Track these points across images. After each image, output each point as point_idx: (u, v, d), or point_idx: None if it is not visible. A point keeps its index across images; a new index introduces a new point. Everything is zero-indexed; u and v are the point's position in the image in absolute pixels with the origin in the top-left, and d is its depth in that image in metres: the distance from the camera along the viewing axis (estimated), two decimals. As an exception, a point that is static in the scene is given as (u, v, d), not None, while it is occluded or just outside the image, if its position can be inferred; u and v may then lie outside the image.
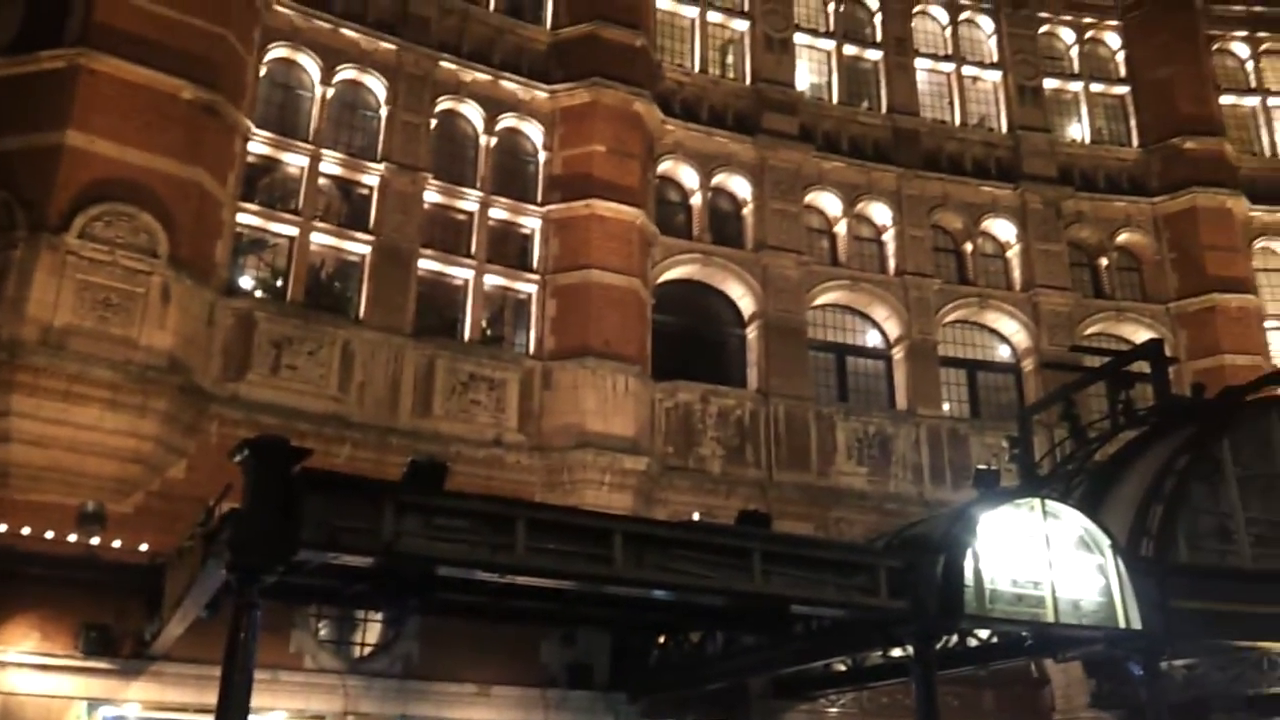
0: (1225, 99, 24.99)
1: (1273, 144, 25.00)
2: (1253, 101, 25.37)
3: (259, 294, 16.92)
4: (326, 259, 17.78)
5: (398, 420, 16.67)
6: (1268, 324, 22.97)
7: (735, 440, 19.14)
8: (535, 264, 19.15)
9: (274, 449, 9.71)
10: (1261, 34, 25.68)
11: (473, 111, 19.54)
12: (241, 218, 16.76)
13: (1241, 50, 25.71)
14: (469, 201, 19.03)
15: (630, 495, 17.41)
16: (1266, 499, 15.43)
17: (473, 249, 18.75)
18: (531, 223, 19.43)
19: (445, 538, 10.07)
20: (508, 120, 19.74)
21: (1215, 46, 25.43)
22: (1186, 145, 23.55)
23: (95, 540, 13.51)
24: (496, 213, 19.20)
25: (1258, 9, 25.80)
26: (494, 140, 19.54)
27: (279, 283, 17.11)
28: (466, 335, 18.21)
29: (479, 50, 19.79)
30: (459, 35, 19.67)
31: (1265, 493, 15.47)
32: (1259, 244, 23.72)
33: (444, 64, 19.18)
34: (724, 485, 18.56)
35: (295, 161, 17.69)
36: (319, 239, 17.53)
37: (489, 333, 18.84)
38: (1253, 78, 25.57)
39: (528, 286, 19.01)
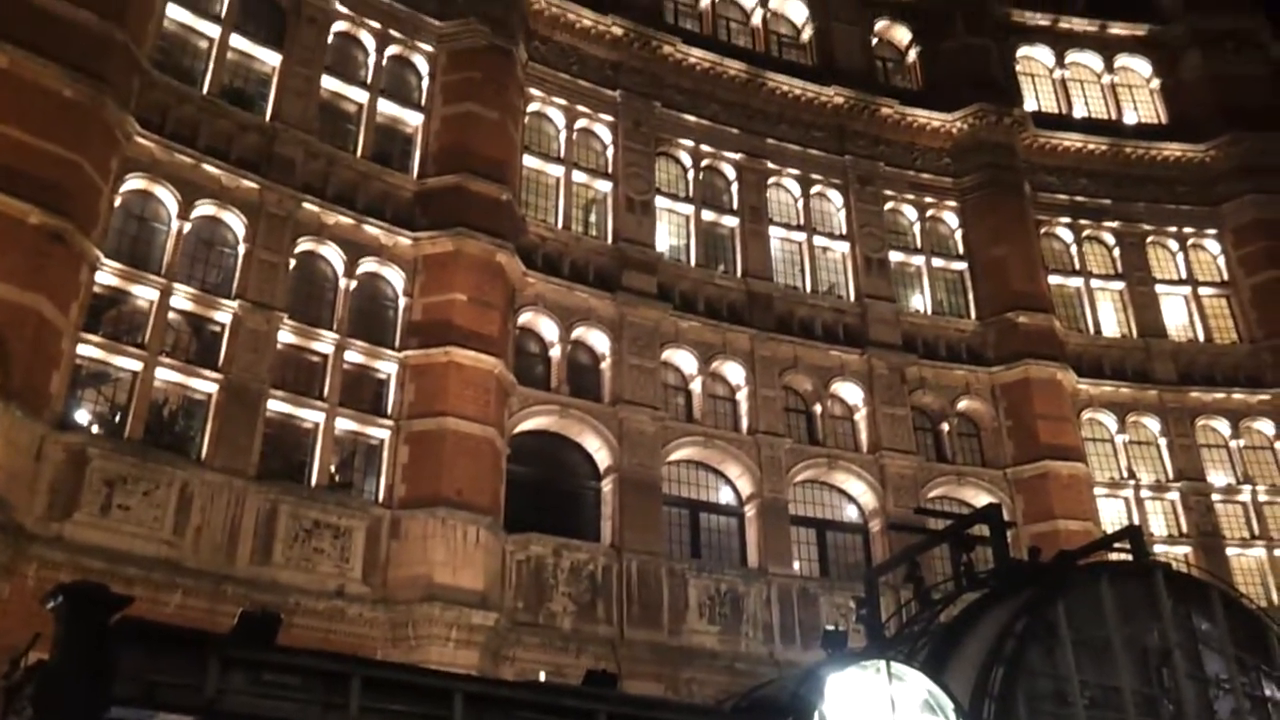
0: (1053, 279, 26.78)
1: (1096, 322, 26.78)
2: (1077, 282, 27.25)
3: (95, 429, 16.16)
4: (171, 396, 17.16)
5: (235, 568, 15.94)
6: (1097, 490, 24.17)
7: (587, 596, 18.86)
8: (390, 409, 18.86)
9: (90, 595, 9.06)
10: (1083, 221, 27.80)
11: (333, 254, 19.45)
12: (83, 349, 16.15)
13: (1066, 235, 27.73)
14: (324, 343, 18.74)
15: (477, 652, 16.89)
16: (1099, 662, 15.86)
17: (325, 392, 18.39)
18: (388, 367, 19.22)
19: (274, 695, 9.45)
20: (369, 264, 19.71)
21: (1043, 230, 27.36)
22: (1019, 320, 25.01)
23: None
24: (352, 356, 18.95)
25: (1079, 199, 27.97)
26: (354, 283, 19.44)
27: (118, 418, 16.42)
28: (314, 480, 17.68)
29: (343, 194, 19.84)
30: (324, 178, 19.72)
31: (1098, 656, 15.91)
32: (1086, 415, 25.15)
33: (307, 205, 19.14)
34: (574, 643, 18.20)
35: (145, 294, 17.20)
36: (164, 375, 16.95)
37: (338, 479, 18.33)
38: (1076, 261, 27.53)
39: (381, 432, 18.67)
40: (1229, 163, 28.34)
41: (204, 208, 18.21)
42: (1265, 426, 25.66)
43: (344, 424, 18.40)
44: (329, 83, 20.76)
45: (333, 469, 18.19)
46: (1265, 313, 26.71)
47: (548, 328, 21.41)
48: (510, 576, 18.34)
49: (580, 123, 24.04)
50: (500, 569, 18.11)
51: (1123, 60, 30.57)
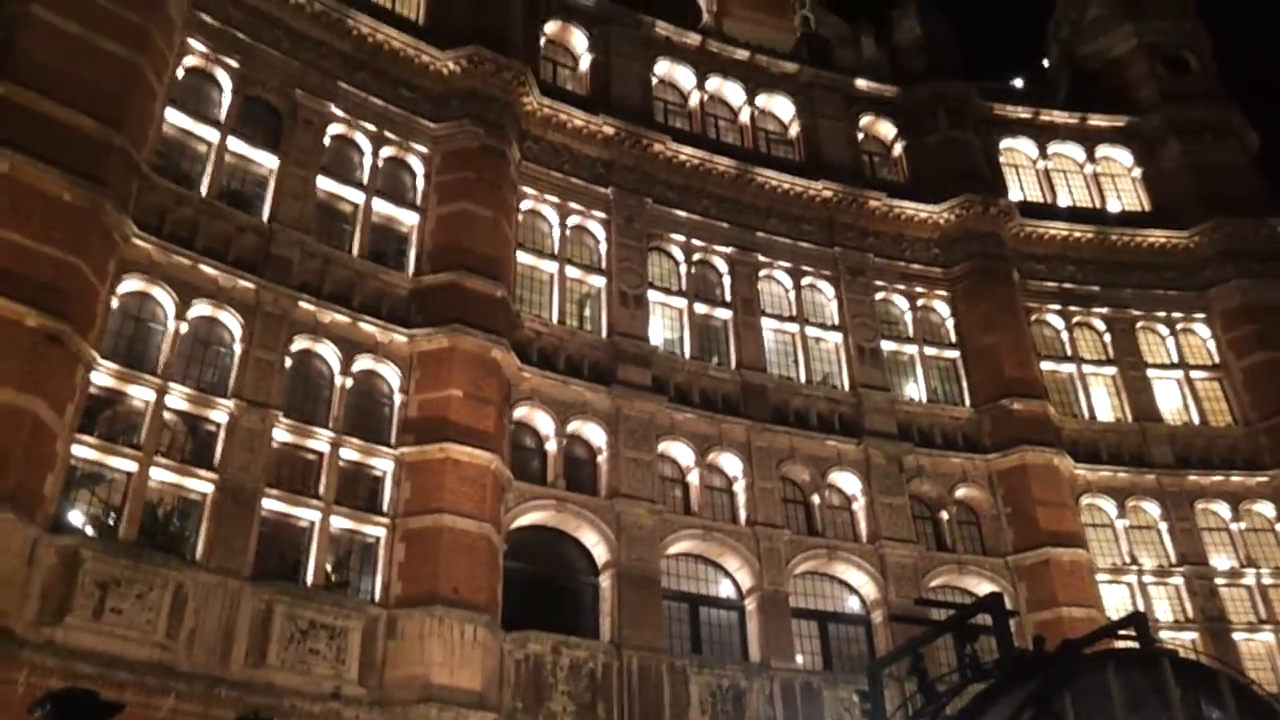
0: (1045, 365, 26.91)
1: (1090, 408, 26.83)
2: (1069, 368, 27.38)
3: (89, 531, 15.98)
4: (165, 496, 17.03)
5: (229, 670, 15.65)
6: (1100, 577, 23.94)
7: (587, 695, 18.50)
8: (385, 507, 18.73)
9: (79, 702, 8.84)
10: (1073, 307, 28.04)
11: (329, 352, 19.51)
12: (77, 450, 16.06)
13: (1056, 321, 27.95)
14: (320, 441, 18.67)
15: (474, 755, 16.48)
16: (1109, 753, 15.56)
17: (321, 490, 18.27)
18: (384, 464, 19.13)
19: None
20: (365, 362, 19.75)
21: (1033, 317, 27.58)
22: (1014, 406, 25.05)
23: None
24: (348, 453, 18.87)
25: (1068, 285, 28.26)
26: (350, 381, 19.46)
27: (112, 519, 16.25)
28: (309, 580, 17.46)
29: (339, 292, 19.98)
30: (320, 277, 19.88)
31: (1108, 746, 15.62)
32: (1085, 500, 25.04)
33: (303, 304, 19.26)
34: (574, 743, 17.80)
35: (141, 395, 17.18)
36: (159, 475, 16.84)
37: (333, 578, 18.08)
38: (1068, 346, 27.69)
39: (376, 530, 18.50)
40: (1213, 248, 28.73)
41: (201, 308, 18.31)
42: (1265, 509, 25.56)
43: (340, 522, 18.24)
44: (325, 184, 21.07)
45: (328, 568, 17.97)
46: (1258, 395, 26.81)
47: (543, 422, 21.39)
48: (509, 675, 17.99)
49: (573, 219, 24.36)
50: (498, 668, 17.79)
51: (1104, 150, 31.20)
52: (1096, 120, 31.36)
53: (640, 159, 25.48)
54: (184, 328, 18.01)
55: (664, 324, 24.47)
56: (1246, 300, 27.88)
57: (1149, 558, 24.90)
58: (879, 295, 26.68)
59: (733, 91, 28.69)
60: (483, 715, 16.71)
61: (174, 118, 19.62)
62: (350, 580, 18.27)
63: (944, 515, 24.04)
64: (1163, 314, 28.41)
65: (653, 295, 24.25)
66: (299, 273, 19.53)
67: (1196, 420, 27.02)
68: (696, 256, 25.43)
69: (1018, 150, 30.76)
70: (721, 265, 25.62)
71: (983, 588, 22.56)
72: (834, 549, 22.54)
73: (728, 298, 25.21)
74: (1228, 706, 15.00)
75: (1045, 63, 36.14)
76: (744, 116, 28.55)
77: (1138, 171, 31.00)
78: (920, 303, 27.12)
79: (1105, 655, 16.61)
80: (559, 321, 22.92)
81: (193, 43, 20.22)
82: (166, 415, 17.34)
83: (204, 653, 15.53)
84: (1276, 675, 23.49)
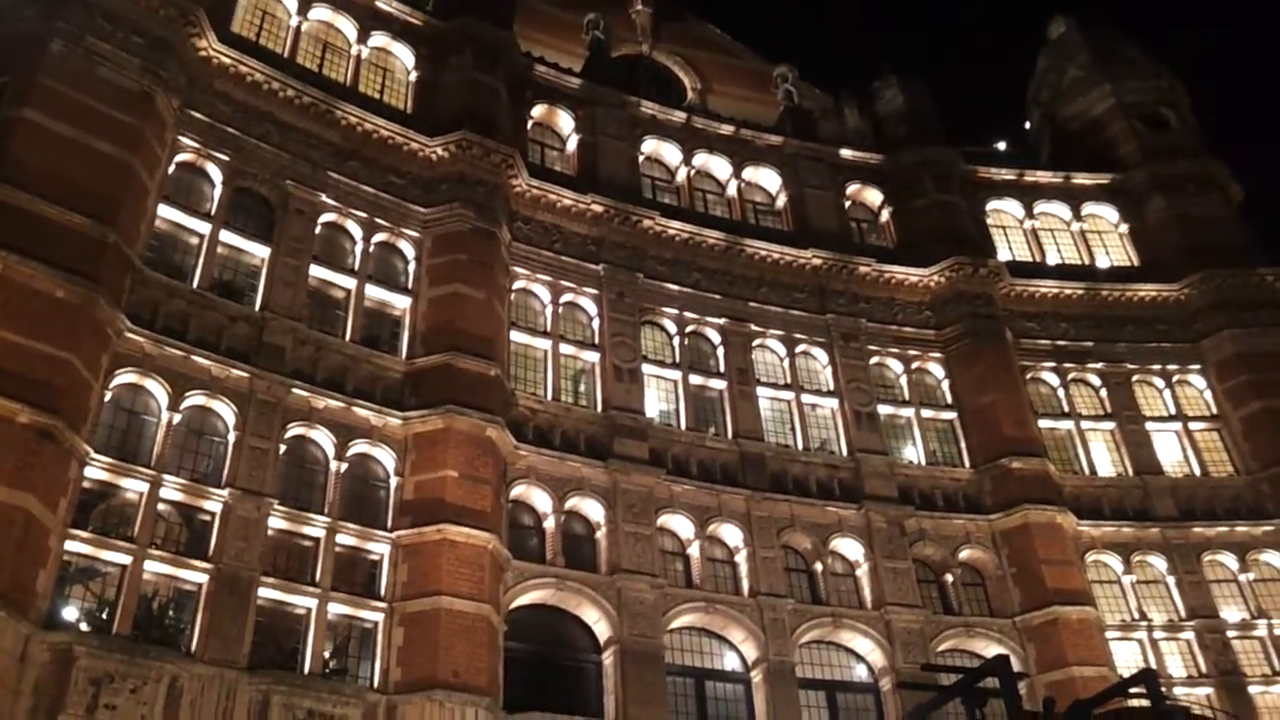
0: (1043, 422, 26.82)
1: (1090, 463, 26.70)
2: (1067, 425, 27.30)
3: (83, 626, 15.88)
4: (160, 588, 16.94)
5: (226, 764, 15.39)
6: (1109, 634, 23.60)
7: (593, 775, 18.19)
8: (383, 591, 18.60)
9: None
10: (1067, 364, 28.05)
11: (323, 437, 19.55)
12: (71, 545, 16.04)
13: (1052, 379, 27.94)
14: (315, 527, 18.63)
15: (480, 843, 16.15)
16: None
17: (317, 576, 18.17)
18: (380, 548, 19.06)
19: None
20: (359, 446, 19.78)
21: (1029, 375, 27.57)
22: (1014, 465, 24.93)
23: None
24: (344, 539, 18.81)
25: (1061, 343, 28.31)
26: (344, 465, 19.48)
27: (105, 614, 16.15)
28: (307, 668, 17.27)
29: (333, 378, 20.09)
30: (313, 364, 20.00)
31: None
32: (1091, 557, 24.79)
33: (296, 391, 19.35)
34: (581, 828, 17.44)
35: (134, 487, 17.20)
36: (153, 567, 16.79)
37: (331, 665, 17.90)
38: (1065, 403, 27.66)
39: (374, 615, 18.37)
40: (1203, 300, 28.83)
41: (194, 398, 18.41)
42: (1273, 558, 25.26)
43: (337, 608, 18.12)
44: (317, 271, 21.31)
45: (326, 655, 17.79)
46: (1258, 444, 26.67)
47: (541, 499, 21.33)
48: (513, 759, 17.71)
49: (565, 297, 24.56)
50: (502, 752, 17.51)
51: (1089, 208, 31.49)
52: (1081, 179, 31.72)
53: (630, 235, 25.76)
54: (177, 418, 18.10)
55: (659, 396, 24.50)
56: (1240, 349, 27.88)
57: (1158, 613, 24.58)
58: (873, 360, 26.75)
59: (719, 166, 29.09)
60: (487, 800, 16.39)
61: (166, 212, 19.94)
62: (349, 667, 18.08)
63: (949, 578, 23.82)
64: (1158, 366, 28.41)
65: (647, 369, 24.33)
66: (292, 360, 19.65)
67: (1198, 471, 26.86)
68: (689, 329, 25.57)
69: (1004, 211, 31.06)
70: (715, 336, 25.74)
71: (991, 650, 22.25)
72: (839, 617, 22.30)
73: (722, 368, 25.29)
74: (1244, 761, 14.83)
75: (1027, 125, 36.70)
76: (731, 190, 28.92)
77: (1124, 227, 31.24)
78: (915, 365, 27.16)
79: (1118, 715, 16.42)
80: (554, 398, 22.97)
81: (184, 139, 20.63)
82: (160, 506, 17.32)
83: (201, 747, 15.32)
84: (1299, 729, 23.08)
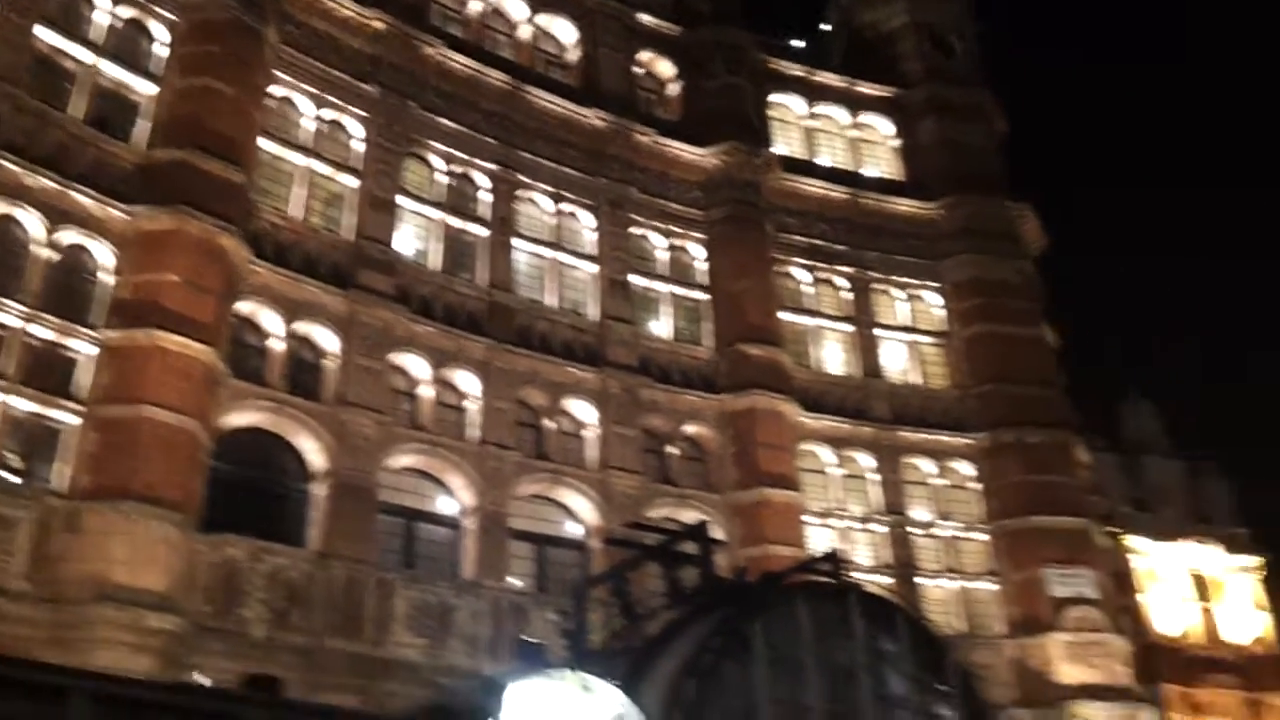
0: (787, 315, 27.75)
1: (822, 360, 27.96)
2: (810, 321, 28.37)
3: None
4: None
5: None
6: (809, 519, 25.09)
7: (284, 603, 17.87)
8: (82, 393, 17.37)
9: None
10: (819, 264, 29.02)
11: (32, 220, 17.84)
12: None
13: (803, 275, 28.84)
14: (9, 315, 17.09)
15: (153, 658, 15.67)
16: (793, 680, 16.29)
17: (9, 369, 16.74)
18: (84, 347, 17.78)
19: None
20: (73, 235, 18.25)
21: (782, 269, 28.34)
22: (751, 352, 25.75)
23: None
24: (41, 331, 17.39)
25: (818, 242, 29.20)
26: (54, 254, 17.88)
27: None
28: (-18, 463, 16.03)
29: (52, 157, 18.27)
30: (30, 137, 18.10)
31: (792, 674, 16.35)
32: (803, 446, 26.08)
33: (5, 164, 17.47)
34: (264, 651, 17.15)
35: None
36: None
37: (10, 463, 16.65)
38: (810, 300, 28.68)
39: (67, 417, 17.18)
40: (952, 223, 30.26)
41: (-124, 153, 16.35)
42: (964, 467, 27.40)
43: (24, 404, 16.81)
44: (46, 35, 19.13)
45: (6, 453, 16.54)
46: (975, 363, 28.56)
47: (270, 319, 20.37)
48: (199, 579, 17.14)
49: (330, 114, 23.18)
50: (188, 570, 16.90)
51: (866, 117, 32.23)
52: (864, 87, 32.35)
53: (410, 60, 24.44)
54: None
55: (415, 234, 23.70)
56: (976, 274, 29.52)
57: (857, 505, 26.33)
58: (636, 230, 26.76)
59: (514, 4, 27.87)
60: (164, 618, 15.85)
61: None
62: (33, 470, 16.89)
63: (672, 450, 24.55)
64: (901, 279, 29.75)
65: (406, 203, 23.46)
66: (6, 130, 17.70)
67: (920, 381, 28.59)
68: (457, 169, 24.71)
69: (786, 106, 31.37)
70: (483, 181, 24.98)
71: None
72: (560, 474, 22.65)
73: (485, 215, 24.66)
74: (901, 640, 16.08)
75: (828, 27, 36.99)
76: (523, 33, 27.83)
77: (896, 142, 32.20)
78: (676, 242, 27.38)
79: (798, 587, 17.44)
80: (304, 219, 21.81)
81: None
82: None
83: None
84: (961, 621, 25.41)
